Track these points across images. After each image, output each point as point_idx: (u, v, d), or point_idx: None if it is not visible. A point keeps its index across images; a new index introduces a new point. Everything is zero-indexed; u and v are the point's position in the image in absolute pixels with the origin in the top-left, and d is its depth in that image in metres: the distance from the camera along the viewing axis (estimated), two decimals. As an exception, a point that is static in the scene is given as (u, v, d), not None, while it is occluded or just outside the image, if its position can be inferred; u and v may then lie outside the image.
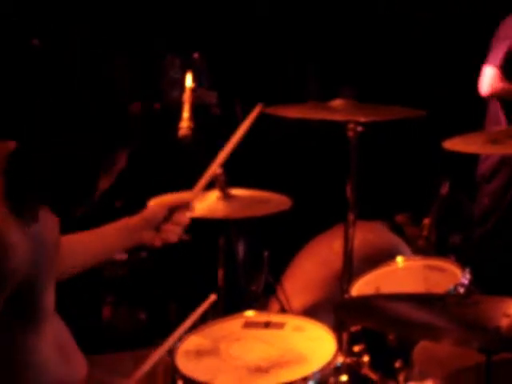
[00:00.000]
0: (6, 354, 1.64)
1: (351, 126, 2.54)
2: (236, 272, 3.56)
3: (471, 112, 3.86)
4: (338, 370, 2.15)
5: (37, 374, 1.68)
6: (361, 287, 2.65)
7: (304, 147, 4.41)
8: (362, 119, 2.52)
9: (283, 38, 4.46)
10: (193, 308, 2.20)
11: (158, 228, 2.02)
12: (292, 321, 2.38)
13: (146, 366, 1.97)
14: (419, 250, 3.35)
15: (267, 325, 2.35)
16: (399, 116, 2.66)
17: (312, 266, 3.31)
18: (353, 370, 2.41)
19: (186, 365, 2.13)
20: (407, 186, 4.28)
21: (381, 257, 2.90)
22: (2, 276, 1.55)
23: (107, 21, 3.60)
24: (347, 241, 2.59)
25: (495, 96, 3.81)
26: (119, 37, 3.66)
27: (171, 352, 2.16)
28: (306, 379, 2.05)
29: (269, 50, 4.40)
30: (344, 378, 2.26)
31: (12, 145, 1.56)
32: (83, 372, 1.84)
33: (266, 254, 3.14)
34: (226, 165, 2.40)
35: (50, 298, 1.72)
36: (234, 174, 2.68)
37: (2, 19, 2.25)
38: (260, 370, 2.10)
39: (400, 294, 2.22)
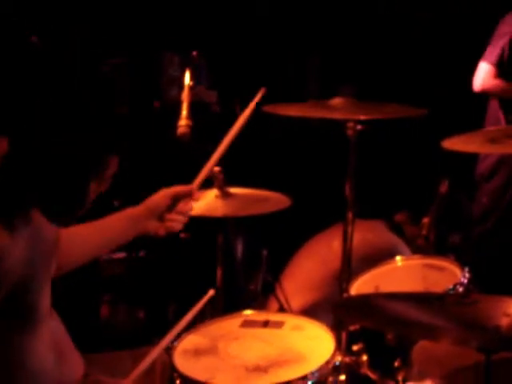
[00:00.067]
0: (2, 354, 1.63)
1: (351, 124, 2.54)
2: (234, 271, 3.55)
3: (470, 111, 3.86)
4: (336, 369, 2.15)
5: (33, 374, 1.67)
6: (360, 286, 2.65)
7: (303, 146, 4.40)
8: (362, 118, 2.52)
9: (283, 36, 4.46)
10: (191, 307, 2.20)
11: (161, 217, 2.02)
12: (291, 320, 2.38)
13: (145, 362, 1.96)
14: (418, 249, 3.34)
15: (266, 324, 2.35)
16: (399, 115, 2.65)
17: (311, 265, 3.30)
18: (351, 369, 2.41)
19: (184, 364, 2.12)
20: (406, 185, 4.27)
21: (380, 256, 2.89)
22: None
23: (106, 20, 3.60)
24: (346, 240, 2.59)
25: (487, 92, 3.82)
26: (118, 36, 3.66)
27: (169, 349, 2.15)
28: (304, 378, 2.05)
29: (269, 48, 4.40)
30: (342, 377, 2.26)
31: (4, 144, 1.54)
32: (80, 372, 1.84)
33: (264, 252, 3.15)
34: (224, 163, 2.39)
35: (46, 299, 1.71)
36: (233, 173, 2.67)
37: (2, 18, 2.24)
38: (258, 369, 2.10)
39: (399, 293, 2.22)
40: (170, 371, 2.11)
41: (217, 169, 2.58)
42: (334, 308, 2.08)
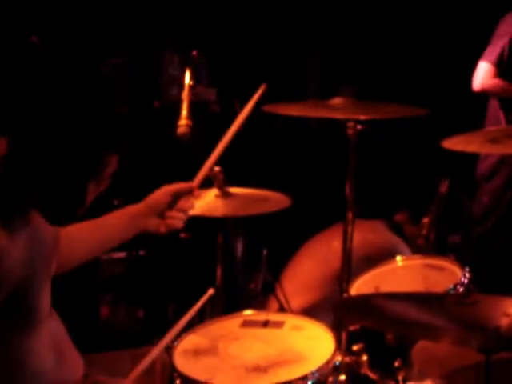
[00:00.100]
0: (1, 355, 1.63)
1: (351, 124, 2.53)
2: (234, 270, 3.55)
3: (471, 111, 3.87)
4: (336, 369, 2.15)
5: (33, 374, 1.67)
6: (360, 286, 2.64)
7: (303, 146, 4.40)
8: (362, 118, 2.52)
9: (283, 36, 4.46)
10: (191, 306, 2.20)
11: (162, 215, 2.01)
12: (291, 320, 2.38)
13: (145, 362, 1.96)
14: (418, 249, 3.33)
15: (266, 324, 2.35)
16: (399, 115, 2.65)
17: (311, 265, 3.30)
18: (351, 369, 2.40)
19: (184, 364, 2.12)
20: (406, 185, 4.27)
21: (380, 256, 2.89)
22: None
23: (106, 20, 3.60)
24: (346, 239, 2.59)
25: (486, 92, 3.83)
26: (118, 36, 3.66)
27: (169, 349, 2.15)
28: (304, 378, 2.04)
29: (269, 48, 4.40)
30: (342, 377, 2.25)
31: (3, 144, 1.54)
32: (80, 372, 1.84)
33: (264, 252, 3.14)
34: (224, 163, 2.39)
35: (46, 299, 1.71)
36: (233, 173, 2.67)
37: (2, 18, 2.24)
38: (258, 369, 2.10)
39: (399, 293, 2.21)
40: (170, 371, 2.11)
41: (217, 169, 2.58)
42: (334, 308, 2.08)
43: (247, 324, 2.36)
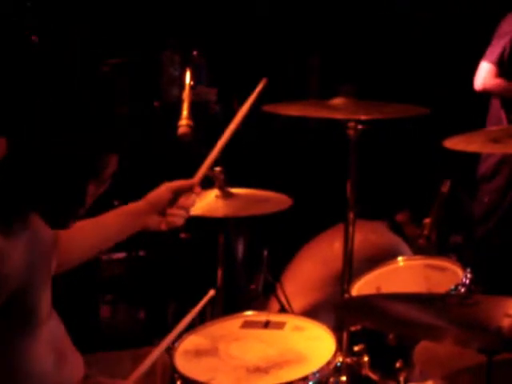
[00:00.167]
0: (1, 357, 1.62)
1: (351, 124, 2.52)
2: (235, 271, 3.55)
3: (472, 111, 3.86)
4: (337, 370, 2.14)
5: (33, 376, 1.67)
6: (361, 287, 2.64)
7: (304, 146, 4.40)
8: (363, 117, 2.51)
9: (283, 36, 4.45)
10: (192, 307, 2.19)
11: (162, 212, 2.00)
12: (292, 320, 2.37)
13: (146, 363, 1.96)
14: (420, 249, 3.33)
15: (267, 324, 2.34)
16: (400, 114, 2.64)
17: (312, 266, 3.29)
18: (353, 369, 2.40)
19: (184, 365, 2.12)
20: (408, 185, 4.27)
21: (382, 256, 2.89)
22: None
23: (106, 20, 3.59)
24: (347, 240, 2.58)
25: (488, 92, 3.83)
26: (118, 36, 3.65)
27: (170, 350, 2.15)
28: (305, 379, 2.04)
29: (269, 48, 4.40)
30: (344, 378, 2.26)
31: (2, 145, 1.53)
32: (80, 373, 1.83)
33: (265, 253, 3.13)
34: (225, 164, 2.39)
35: (46, 302, 1.70)
36: (234, 173, 2.67)
37: (2, 18, 2.24)
38: (259, 370, 2.09)
39: (401, 293, 2.21)
40: (171, 372, 2.10)
41: (218, 169, 2.57)
42: (335, 309, 2.07)
43: (248, 325, 2.35)
